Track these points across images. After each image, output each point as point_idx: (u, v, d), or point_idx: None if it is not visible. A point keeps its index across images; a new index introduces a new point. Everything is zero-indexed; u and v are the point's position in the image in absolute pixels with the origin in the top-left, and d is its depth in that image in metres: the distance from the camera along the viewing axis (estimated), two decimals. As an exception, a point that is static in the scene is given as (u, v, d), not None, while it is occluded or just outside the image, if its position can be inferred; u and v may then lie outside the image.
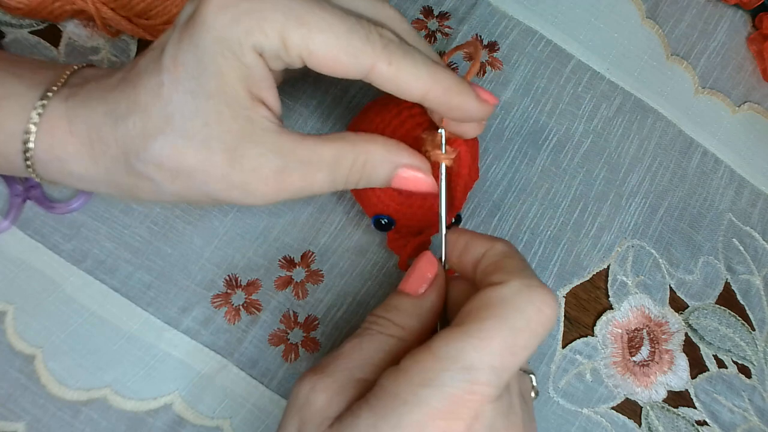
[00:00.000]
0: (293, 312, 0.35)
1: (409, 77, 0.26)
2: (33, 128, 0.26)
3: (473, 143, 0.32)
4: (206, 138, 0.25)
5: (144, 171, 0.26)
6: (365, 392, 0.24)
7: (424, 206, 0.31)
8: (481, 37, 0.41)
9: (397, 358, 0.25)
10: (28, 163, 0.27)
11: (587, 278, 0.38)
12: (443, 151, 0.29)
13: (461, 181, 0.31)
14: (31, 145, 0.26)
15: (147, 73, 0.25)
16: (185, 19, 0.25)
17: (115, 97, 0.26)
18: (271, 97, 0.26)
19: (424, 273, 0.28)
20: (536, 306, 0.23)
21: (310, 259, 0.35)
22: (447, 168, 0.29)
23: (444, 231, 0.28)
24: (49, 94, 0.27)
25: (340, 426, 0.23)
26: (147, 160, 0.25)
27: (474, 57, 0.30)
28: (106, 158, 0.26)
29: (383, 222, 0.32)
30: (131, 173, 0.26)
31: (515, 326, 0.23)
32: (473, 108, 0.27)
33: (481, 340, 0.22)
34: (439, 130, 0.29)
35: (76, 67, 0.28)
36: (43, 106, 0.26)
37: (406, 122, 0.30)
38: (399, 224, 0.32)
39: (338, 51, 0.25)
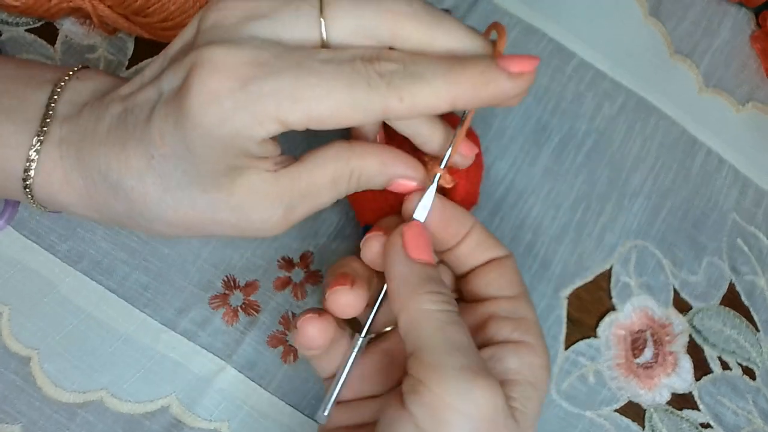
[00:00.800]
0: (292, 313, 0.34)
1: (426, 100, 0.24)
2: (31, 174, 0.26)
3: (475, 172, 0.31)
4: (209, 203, 0.25)
5: (152, 227, 0.26)
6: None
7: None
8: (482, 35, 0.40)
9: None
10: (32, 202, 0.27)
11: (590, 279, 0.38)
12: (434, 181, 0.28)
13: None
14: (29, 189, 0.26)
15: (135, 138, 0.24)
16: (170, 91, 0.24)
17: (106, 156, 0.25)
18: (271, 151, 0.25)
19: (428, 242, 0.27)
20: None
21: (309, 260, 0.35)
22: (444, 192, 0.29)
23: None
24: (41, 137, 0.26)
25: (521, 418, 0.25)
26: (154, 219, 0.25)
27: (499, 34, 0.27)
28: (108, 210, 0.26)
29: None
30: (138, 224, 0.26)
31: None
32: (508, 89, 0.25)
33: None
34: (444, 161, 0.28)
35: (62, 83, 0.27)
36: (38, 151, 0.26)
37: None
38: None
39: (344, 110, 0.23)
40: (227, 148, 0.23)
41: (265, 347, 0.34)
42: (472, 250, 0.28)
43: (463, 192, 0.30)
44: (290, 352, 0.34)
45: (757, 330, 0.38)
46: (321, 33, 0.24)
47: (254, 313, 0.34)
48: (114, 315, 0.33)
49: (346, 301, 0.27)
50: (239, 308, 0.34)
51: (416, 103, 0.24)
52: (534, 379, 0.26)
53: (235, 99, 0.22)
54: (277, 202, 0.25)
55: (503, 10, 0.41)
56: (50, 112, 0.26)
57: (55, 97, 0.27)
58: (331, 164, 0.26)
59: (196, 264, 0.34)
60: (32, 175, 0.26)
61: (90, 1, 0.33)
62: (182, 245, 0.34)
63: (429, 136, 0.28)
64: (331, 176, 0.26)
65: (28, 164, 0.26)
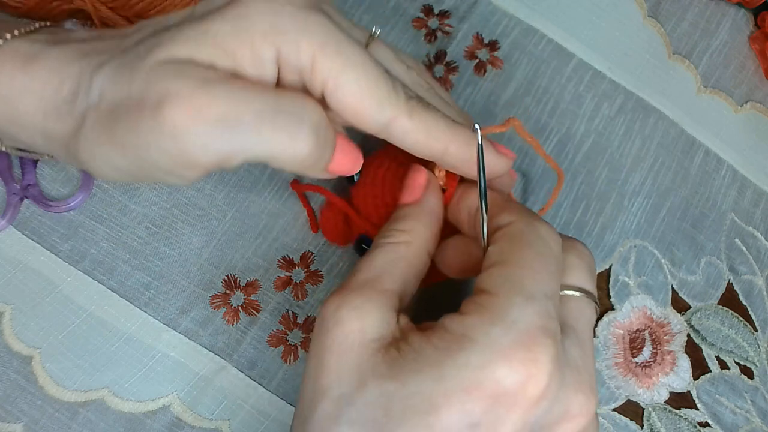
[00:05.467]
0: (292, 313, 0.34)
1: (429, 131, 0.26)
2: None
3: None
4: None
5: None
6: (396, 305, 0.24)
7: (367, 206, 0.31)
8: (481, 35, 0.40)
9: (413, 265, 0.26)
10: None
11: (589, 279, 0.38)
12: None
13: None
14: None
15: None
16: None
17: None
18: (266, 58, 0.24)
19: (416, 181, 0.29)
20: (546, 231, 0.25)
21: (310, 260, 0.35)
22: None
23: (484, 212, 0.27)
24: (16, 32, 0.26)
25: (399, 358, 0.22)
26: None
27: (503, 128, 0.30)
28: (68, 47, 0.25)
29: (363, 247, 0.32)
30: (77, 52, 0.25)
31: (544, 253, 0.24)
32: (493, 161, 0.27)
33: (528, 269, 0.23)
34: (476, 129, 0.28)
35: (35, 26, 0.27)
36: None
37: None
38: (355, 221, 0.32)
39: (365, 94, 0.24)
40: (250, 39, 0.23)
41: (265, 347, 0.34)
42: (490, 218, 0.26)
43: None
44: (290, 351, 0.34)
45: (755, 329, 0.39)
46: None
47: (255, 312, 0.34)
48: (115, 314, 0.33)
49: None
50: (240, 308, 0.34)
51: (420, 129, 0.26)
52: (443, 336, 0.23)
53: (293, 11, 0.24)
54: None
55: (502, 10, 0.41)
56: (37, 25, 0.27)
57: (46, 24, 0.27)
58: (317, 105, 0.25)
59: (197, 264, 0.34)
60: None
61: (91, 3, 0.33)
62: (183, 245, 0.34)
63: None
64: (313, 104, 0.25)
65: None
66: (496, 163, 0.28)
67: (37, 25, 0.27)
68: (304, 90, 0.25)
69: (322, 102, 0.25)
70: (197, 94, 0.22)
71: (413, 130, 0.25)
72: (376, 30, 0.27)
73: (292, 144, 0.23)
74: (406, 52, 0.30)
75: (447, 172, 0.29)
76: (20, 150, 0.30)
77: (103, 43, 0.25)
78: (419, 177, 0.29)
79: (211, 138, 0.22)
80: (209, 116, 0.22)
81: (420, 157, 0.27)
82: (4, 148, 0.29)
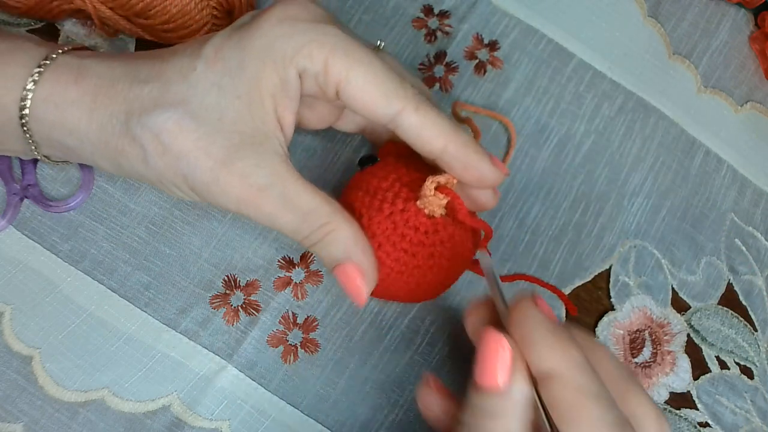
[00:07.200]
0: (292, 313, 0.34)
1: (433, 126, 0.27)
2: (38, 70, 0.27)
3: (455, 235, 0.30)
4: (214, 130, 0.26)
5: (138, 136, 0.26)
6: None
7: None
8: (481, 35, 0.40)
9: None
10: (25, 112, 0.27)
11: (589, 279, 0.38)
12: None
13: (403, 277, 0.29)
14: (30, 86, 0.27)
15: (181, 55, 0.27)
16: (240, 24, 0.27)
17: (139, 64, 0.27)
18: (289, 122, 0.27)
19: (493, 358, 0.23)
20: None
21: (310, 260, 0.35)
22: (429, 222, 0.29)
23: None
24: (60, 51, 0.28)
25: None
26: (147, 125, 0.26)
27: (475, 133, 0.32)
28: (104, 113, 0.27)
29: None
30: (124, 135, 0.26)
31: None
32: (487, 169, 0.28)
33: None
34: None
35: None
36: (54, 58, 0.27)
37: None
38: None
39: (374, 87, 0.26)
40: (275, 72, 0.26)
41: (265, 347, 0.34)
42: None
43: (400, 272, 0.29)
44: (290, 351, 0.34)
45: (755, 329, 0.39)
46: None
47: (255, 312, 0.34)
48: (115, 314, 0.33)
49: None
50: (240, 308, 0.34)
51: (425, 123, 0.27)
52: None
53: (305, 26, 0.26)
54: (266, 173, 0.26)
55: (502, 11, 0.41)
56: (71, 47, 0.28)
57: (60, 51, 0.28)
58: (320, 201, 0.27)
59: (197, 264, 0.34)
60: (39, 70, 0.27)
61: (91, 3, 0.33)
62: (183, 245, 0.34)
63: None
64: (313, 208, 0.27)
65: (41, 62, 0.27)
66: (491, 172, 0.28)
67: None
68: (320, 92, 0.27)
69: (336, 100, 0.27)
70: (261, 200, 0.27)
71: (418, 124, 0.27)
72: (380, 42, 0.31)
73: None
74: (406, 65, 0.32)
75: (438, 185, 0.28)
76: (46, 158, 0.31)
77: (144, 70, 0.27)
78: (498, 356, 0.23)
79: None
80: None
81: (421, 153, 0.28)
82: (39, 156, 0.30)
